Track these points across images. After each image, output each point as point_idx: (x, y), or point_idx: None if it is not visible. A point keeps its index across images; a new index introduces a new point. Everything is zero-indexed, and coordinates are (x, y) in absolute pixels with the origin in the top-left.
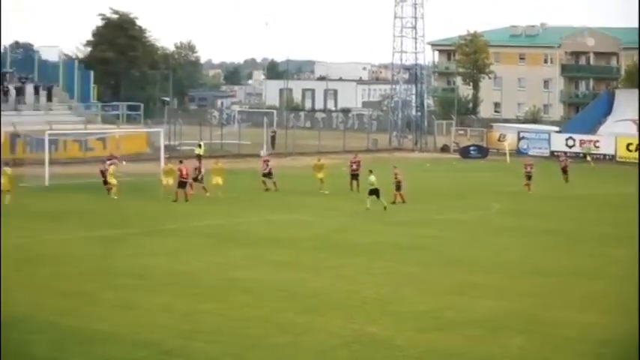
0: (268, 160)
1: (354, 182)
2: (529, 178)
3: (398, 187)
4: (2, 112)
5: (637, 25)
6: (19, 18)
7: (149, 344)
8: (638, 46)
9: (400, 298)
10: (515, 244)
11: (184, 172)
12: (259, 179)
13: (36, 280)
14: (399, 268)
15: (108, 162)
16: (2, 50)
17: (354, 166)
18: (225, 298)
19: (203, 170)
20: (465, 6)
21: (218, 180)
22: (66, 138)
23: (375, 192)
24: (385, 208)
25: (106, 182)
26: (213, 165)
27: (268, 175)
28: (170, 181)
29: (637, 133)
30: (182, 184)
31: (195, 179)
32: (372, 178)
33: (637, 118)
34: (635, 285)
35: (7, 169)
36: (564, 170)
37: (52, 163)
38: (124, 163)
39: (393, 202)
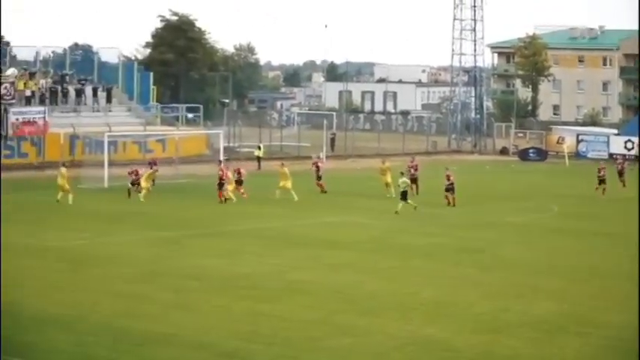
0: (317, 162)
1: (413, 185)
2: (602, 182)
3: (449, 189)
4: (62, 114)
5: None
6: (78, 20)
7: (206, 346)
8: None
9: (457, 300)
10: (573, 247)
11: (224, 174)
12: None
13: (93, 282)
14: (456, 270)
15: (153, 167)
16: (61, 52)
17: (412, 170)
18: (283, 300)
19: (244, 172)
20: (524, 8)
21: (286, 184)
22: (125, 140)
23: (404, 195)
24: (415, 207)
25: (134, 183)
26: (279, 168)
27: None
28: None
29: None
30: (220, 185)
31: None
32: (405, 180)
33: None
34: None
35: (63, 170)
36: (620, 173)
37: (111, 164)
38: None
39: (448, 204)
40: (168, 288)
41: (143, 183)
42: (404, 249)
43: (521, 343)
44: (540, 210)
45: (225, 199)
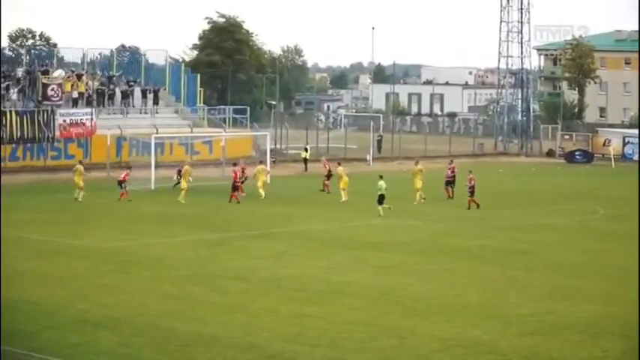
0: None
1: (449, 188)
2: None
3: (471, 193)
4: (109, 116)
5: None
6: (125, 22)
7: (253, 347)
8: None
9: (502, 302)
10: (618, 249)
11: (237, 175)
12: (364, 183)
13: (140, 283)
14: (502, 272)
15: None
16: (108, 53)
17: (449, 172)
18: (329, 301)
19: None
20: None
21: (344, 184)
22: (172, 141)
23: (382, 198)
24: (390, 208)
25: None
26: (339, 170)
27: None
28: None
29: None
30: (234, 187)
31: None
32: (382, 183)
33: None
34: None
35: (79, 167)
36: None
37: (157, 166)
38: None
39: (468, 208)
40: (215, 289)
41: (183, 184)
42: (450, 251)
43: (566, 345)
44: (586, 212)
45: (238, 201)
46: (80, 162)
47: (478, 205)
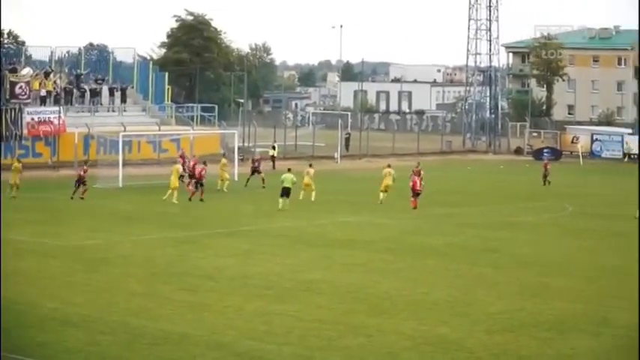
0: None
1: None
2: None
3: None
4: (77, 114)
5: None
6: (93, 20)
7: (221, 345)
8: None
9: (471, 299)
10: (587, 246)
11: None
12: (332, 181)
13: (109, 281)
14: (470, 270)
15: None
16: (76, 51)
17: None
18: (297, 299)
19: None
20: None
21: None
22: (139, 139)
23: (287, 192)
24: (285, 209)
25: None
26: (306, 172)
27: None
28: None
29: None
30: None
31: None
32: (292, 176)
33: None
34: None
35: (18, 164)
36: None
37: (125, 164)
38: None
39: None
40: (183, 288)
41: (174, 183)
42: (418, 249)
43: (535, 343)
44: (555, 209)
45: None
46: (18, 160)
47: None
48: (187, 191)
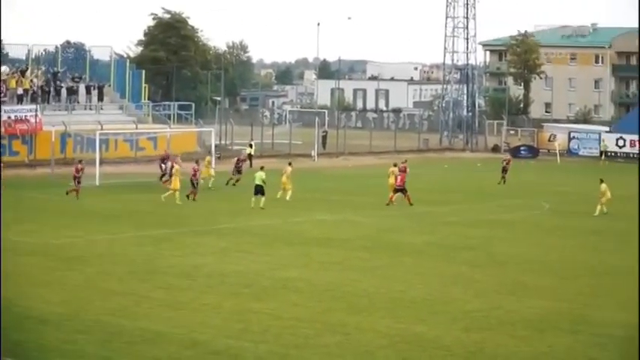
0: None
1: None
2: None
3: (400, 189)
4: (54, 112)
5: None
6: (71, 18)
7: (198, 344)
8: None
9: (448, 297)
10: (564, 244)
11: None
12: (309, 179)
13: (85, 279)
14: (447, 268)
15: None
16: (53, 49)
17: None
18: (274, 297)
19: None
20: (517, 6)
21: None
22: (116, 138)
23: (260, 190)
24: (263, 208)
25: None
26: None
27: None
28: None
29: None
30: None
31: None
32: (261, 174)
33: None
34: None
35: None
36: (504, 169)
37: (102, 162)
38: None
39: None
40: (160, 286)
41: (175, 183)
42: (395, 247)
43: (512, 340)
44: (531, 207)
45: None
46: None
47: (391, 203)
48: (164, 188)
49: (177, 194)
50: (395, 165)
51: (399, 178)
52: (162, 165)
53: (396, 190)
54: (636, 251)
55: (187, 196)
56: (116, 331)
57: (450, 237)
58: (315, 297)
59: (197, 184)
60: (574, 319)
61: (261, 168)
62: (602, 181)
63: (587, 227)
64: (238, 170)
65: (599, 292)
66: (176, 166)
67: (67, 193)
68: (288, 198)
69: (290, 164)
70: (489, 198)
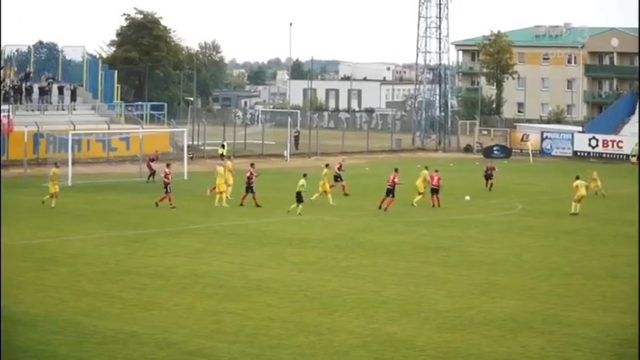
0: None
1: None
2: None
3: (389, 193)
4: (26, 112)
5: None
6: (43, 18)
7: (171, 344)
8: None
9: (421, 298)
10: (537, 244)
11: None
12: (282, 179)
13: (58, 280)
14: (421, 268)
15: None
16: (25, 50)
17: (435, 180)
18: (247, 298)
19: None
20: (489, 6)
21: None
22: (89, 138)
23: (299, 196)
24: (300, 214)
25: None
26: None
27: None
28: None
29: None
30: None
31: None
32: (303, 181)
33: None
34: None
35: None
36: (489, 177)
37: (75, 163)
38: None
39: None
40: (133, 287)
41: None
42: (368, 247)
43: (485, 341)
44: (504, 207)
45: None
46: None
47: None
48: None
49: (223, 195)
50: (427, 168)
51: (435, 178)
52: (151, 164)
53: (432, 191)
54: (607, 252)
55: (156, 204)
56: (89, 332)
57: (423, 237)
58: (288, 297)
59: (169, 188)
60: (547, 319)
61: (304, 175)
62: (577, 177)
63: (559, 227)
64: (249, 187)
65: (571, 293)
66: (218, 168)
67: (42, 202)
68: (331, 202)
69: (327, 166)
70: (462, 198)
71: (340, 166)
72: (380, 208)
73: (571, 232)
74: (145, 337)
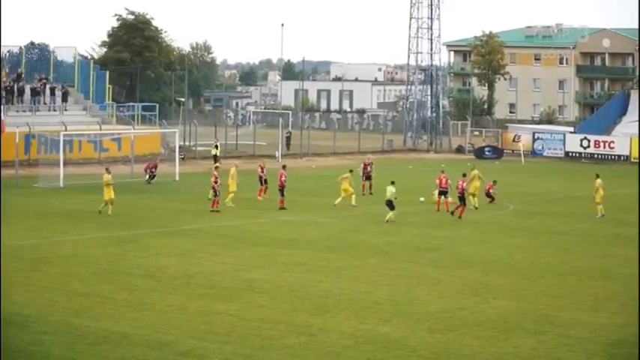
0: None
1: (367, 183)
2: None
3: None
4: (17, 113)
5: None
6: (35, 18)
7: (163, 345)
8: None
9: (413, 298)
10: (529, 245)
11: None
12: (274, 180)
13: (49, 281)
14: (412, 269)
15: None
16: (17, 50)
17: (368, 168)
18: (238, 298)
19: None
20: (481, 7)
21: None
22: (80, 139)
23: (390, 204)
24: (394, 221)
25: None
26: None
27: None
28: None
29: None
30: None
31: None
32: (391, 188)
33: None
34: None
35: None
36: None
37: (66, 163)
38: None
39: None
40: (124, 287)
41: (232, 186)
42: (360, 248)
43: (477, 341)
44: (496, 208)
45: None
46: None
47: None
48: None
49: (231, 196)
50: (443, 172)
51: (444, 180)
52: (151, 170)
53: (440, 193)
54: (599, 252)
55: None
56: (81, 333)
57: (415, 238)
58: (279, 298)
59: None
60: (538, 319)
61: (392, 182)
62: (597, 176)
63: (551, 228)
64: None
65: (563, 293)
66: (231, 169)
67: (99, 212)
68: (353, 202)
69: (351, 171)
70: (453, 199)
71: (368, 165)
72: (452, 214)
73: (563, 232)
74: (137, 338)
